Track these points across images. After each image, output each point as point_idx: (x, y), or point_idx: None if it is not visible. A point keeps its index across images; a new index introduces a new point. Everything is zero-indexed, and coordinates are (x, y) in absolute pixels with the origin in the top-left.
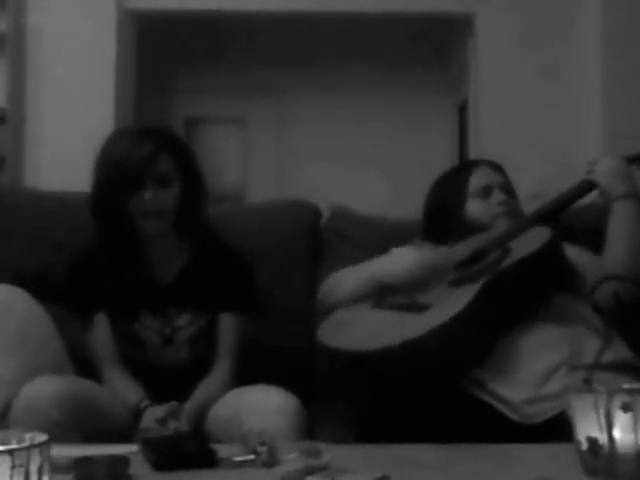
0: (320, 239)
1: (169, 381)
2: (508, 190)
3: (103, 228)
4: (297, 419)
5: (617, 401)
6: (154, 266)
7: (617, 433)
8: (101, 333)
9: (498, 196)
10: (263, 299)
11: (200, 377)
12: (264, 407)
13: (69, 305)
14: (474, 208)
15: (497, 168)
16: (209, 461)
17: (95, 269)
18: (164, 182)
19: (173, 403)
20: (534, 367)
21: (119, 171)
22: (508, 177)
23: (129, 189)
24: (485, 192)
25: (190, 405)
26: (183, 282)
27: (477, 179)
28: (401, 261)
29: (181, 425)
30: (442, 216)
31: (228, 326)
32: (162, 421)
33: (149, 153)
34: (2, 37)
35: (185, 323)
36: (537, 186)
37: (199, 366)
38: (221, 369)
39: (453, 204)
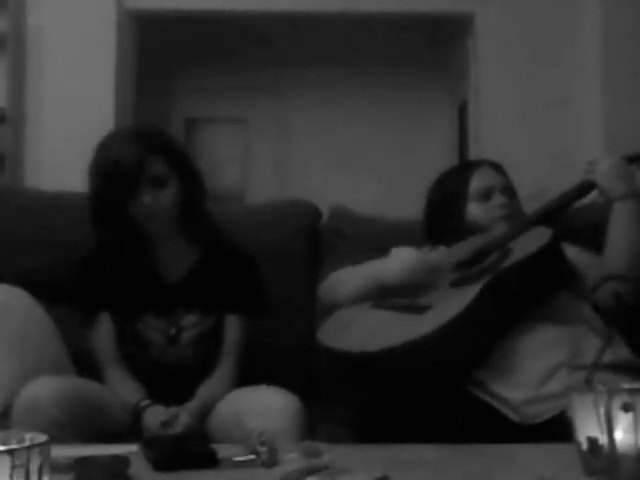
0: (320, 239)
1: (173, 381)
2: (509, 192)
3: (105, 231)
4: (298, 420)
5: (617, 401)
6: (162, 265)
7: (617, 433)
8: (104, 332)
9: (499, 199)
10: (270, 301)
11: (204, 377)
12: (266, 408)
13: (74, 302)
14: (474, 210)
15: (498, 169)
16: (209, 461)
17: (102, 267)
18: (160, 183)
19: (173, 409)
20: (534, 367)
21: (112, 177)
22: (509, 178)
23: (125, 194)
24: (486, 194)
25: (193, 404)
26: (190, 282)
27: (478, 181)
28: (401, 262)
29: (183, 424)
30: (442, 216)
31: (234, 327)
32: (164, 425)
33: (139, 156)
34: (2, 37)
35: (191, 323)
36: (535, 186)
37: (203, 366)
38: (225, 369)
39: (453, 205)
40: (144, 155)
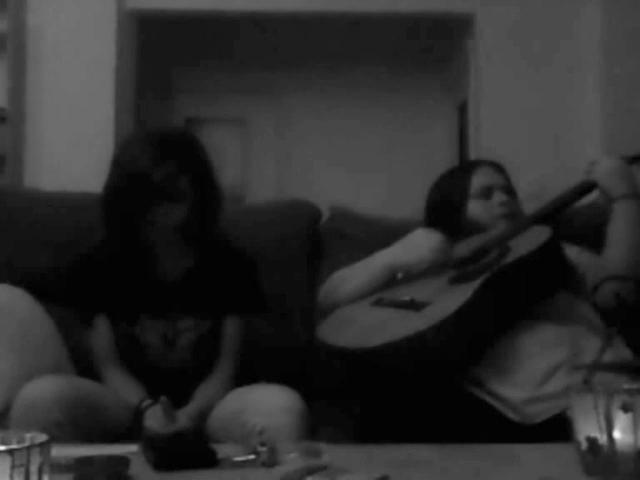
0: (320, 239)
1: (171, 382)
2: (509, 191)
3: (111, 229)
4: (301, 417)
5: (617, 401)
6: (159, 267)
7: (617, 433)
8: (102, 334)
9: (499, 197)
10: (268, 299)
11: (203, 378)
12: (268, 406)
13: (70, 304)
14: (475, 209)
15: (498, 168)
16: (209, 461)
17: (98, 270)
18: (177, 199)
19: (163, 398)
20: (534, 367)
21: (138, 187)
22: (509, 177)
23: (145, 204)
24: (486, 193)
25: (191, 407)
26: (188, 284)
27: (478, 179)
28: (427, 240)
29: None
30: (443, 215)
31: (233, 328)
32: (165, 418)
33: (170, 174)
34: (2, 37)
35: (189, 326)
36: (535, 186)
37: (202, 367)
38: (223, 371)
39: (454, 204)
40: (176, 174)
